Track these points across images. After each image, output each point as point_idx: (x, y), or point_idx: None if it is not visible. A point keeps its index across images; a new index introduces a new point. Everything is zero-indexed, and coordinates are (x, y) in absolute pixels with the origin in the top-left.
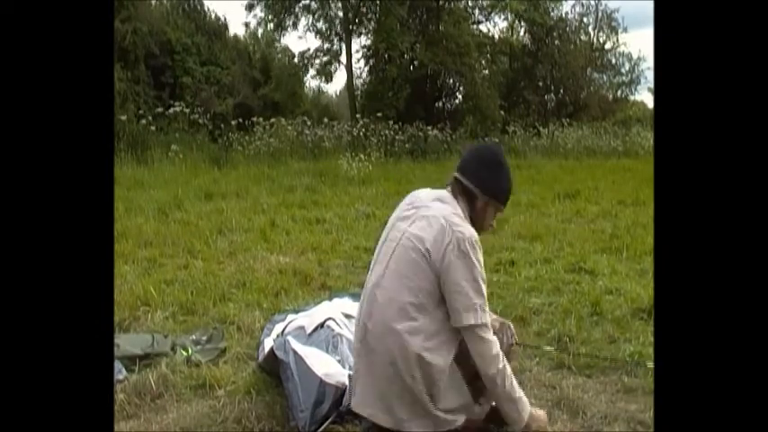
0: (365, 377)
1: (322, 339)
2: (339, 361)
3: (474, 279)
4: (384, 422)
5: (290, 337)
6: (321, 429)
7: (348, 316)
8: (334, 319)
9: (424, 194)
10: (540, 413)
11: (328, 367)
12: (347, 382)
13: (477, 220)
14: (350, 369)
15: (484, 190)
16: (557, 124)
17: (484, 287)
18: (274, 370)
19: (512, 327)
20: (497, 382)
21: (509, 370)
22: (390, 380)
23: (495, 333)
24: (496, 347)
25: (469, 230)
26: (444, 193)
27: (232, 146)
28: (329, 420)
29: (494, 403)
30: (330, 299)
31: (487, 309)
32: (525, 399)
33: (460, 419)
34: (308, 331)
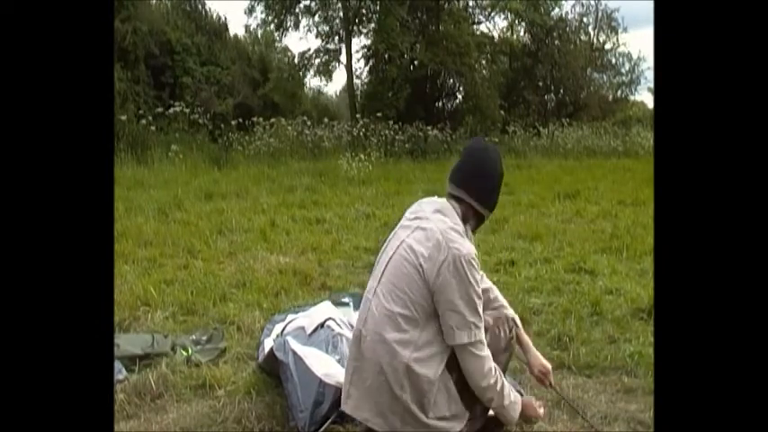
0: (358, 383)
1: (322, 339)
2: (339, 361)
3: (469, 297)
4: (379, 427)
5: (289, 338)
6: (321, 430)
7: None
8: (334, 319)
9: (427, 204)
10: (528, 402)
11: (328, 367)
12: None
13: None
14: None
15: (490, 207)
16: (557, 124)
17: (479, 305)
18: (274, 370)
19: (510, 320)
20: (487, 396)
21: (500, 381)
22: (380, 389)
23: (491, 328)
24: (489, 363)
25: (467, 247)
26: (446, 205)
27: (232, 146)
28: (329, 421)
29: (491, 412)
30: (331, 300)
31: (482, 326)
32: (516, 399)
33: (456, 427)
34: (308, 331)
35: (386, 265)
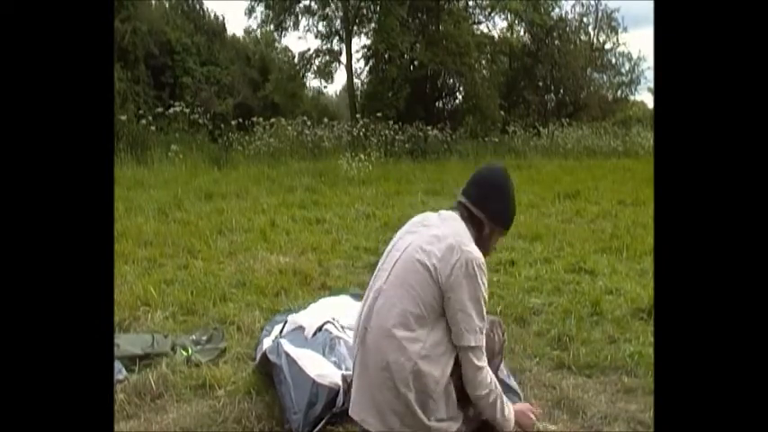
0: (360, 380)
1: (319, 342)
2: (335, 362)
3: (478, 301)
4: (375, 429)
5: (282, 340)
6: (316, 431)
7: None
8: (332, 323)
9: (433, 215)
10: (521, 408)
11: (321, 368)
12: (341, 384)
13: (482, 245)
14: (346, 370)
15: (491, 218)
16: (557, 124)
17: (485, 310)
18: (268, 373)
19: (502, 324)
20: (481, 404)
21: (494, 394)
22: (382, 386)
23: (486, 331)
24: (489, 375)
25: (477, 252)
26: (453, 214)
27: (232, 146)
28: (323, 422)
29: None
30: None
31: (485, 333)
32: (509, 413)
33: (453, 427)
34: (308, 335)
35: (394, 264)
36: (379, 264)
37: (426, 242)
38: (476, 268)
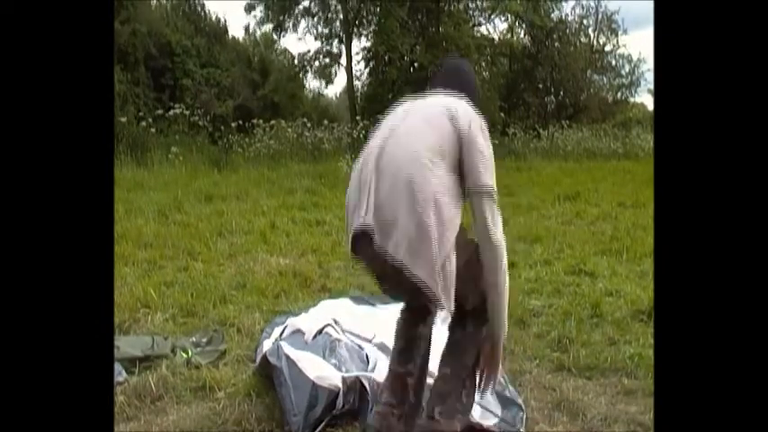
0: (376, 196)
1: (320, 345)
2: (336, 365)
3: (491, 154)
4: (380, 240)
5: (282, 342)
6: None
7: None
8: (332, 326)
9: (414, 101)
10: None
11: (321, 370)
12: (341, 386)
13: None
14: (346, 372)
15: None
16: (557, 126)
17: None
18: (268, 375)
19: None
20: (496, 252)
21: (503, 250)
22: (401, 201)
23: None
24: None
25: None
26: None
27: (232, 148)
28: (323, 424)
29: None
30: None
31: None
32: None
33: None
34: (308, 338)
35: (407, 112)
36: (377, 129)
37: (433, 103)
38: (484, 128)
